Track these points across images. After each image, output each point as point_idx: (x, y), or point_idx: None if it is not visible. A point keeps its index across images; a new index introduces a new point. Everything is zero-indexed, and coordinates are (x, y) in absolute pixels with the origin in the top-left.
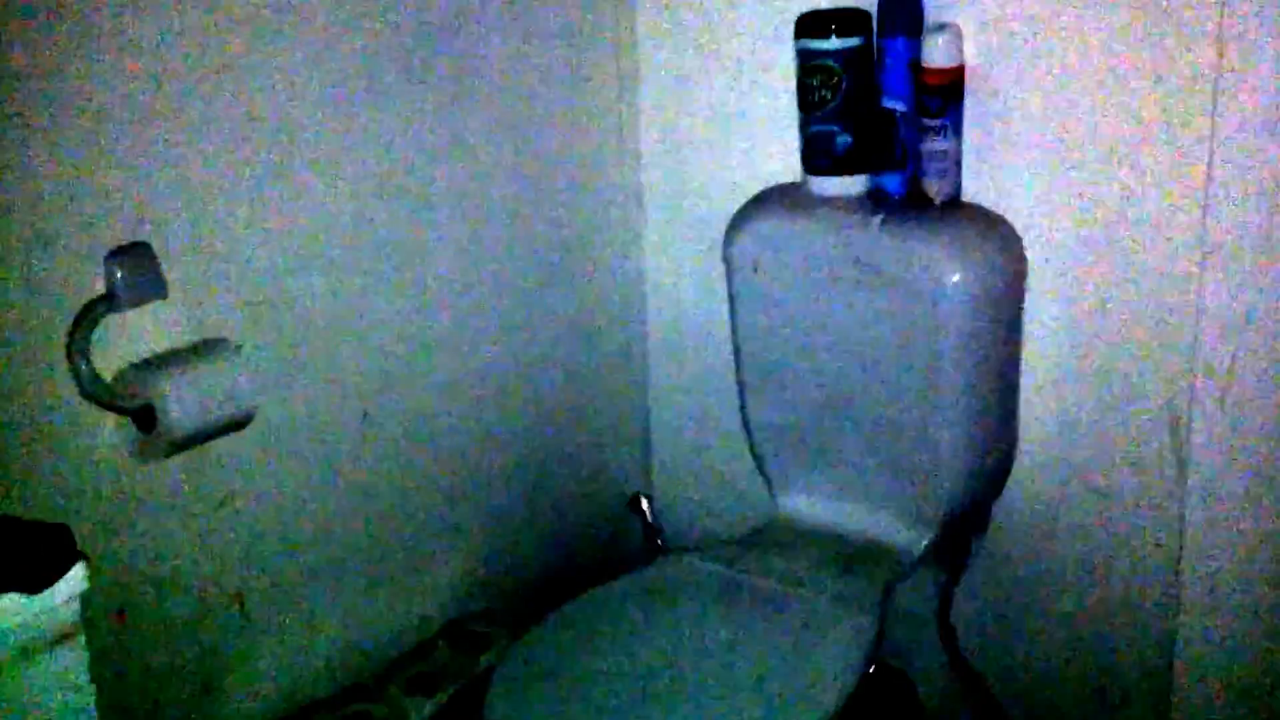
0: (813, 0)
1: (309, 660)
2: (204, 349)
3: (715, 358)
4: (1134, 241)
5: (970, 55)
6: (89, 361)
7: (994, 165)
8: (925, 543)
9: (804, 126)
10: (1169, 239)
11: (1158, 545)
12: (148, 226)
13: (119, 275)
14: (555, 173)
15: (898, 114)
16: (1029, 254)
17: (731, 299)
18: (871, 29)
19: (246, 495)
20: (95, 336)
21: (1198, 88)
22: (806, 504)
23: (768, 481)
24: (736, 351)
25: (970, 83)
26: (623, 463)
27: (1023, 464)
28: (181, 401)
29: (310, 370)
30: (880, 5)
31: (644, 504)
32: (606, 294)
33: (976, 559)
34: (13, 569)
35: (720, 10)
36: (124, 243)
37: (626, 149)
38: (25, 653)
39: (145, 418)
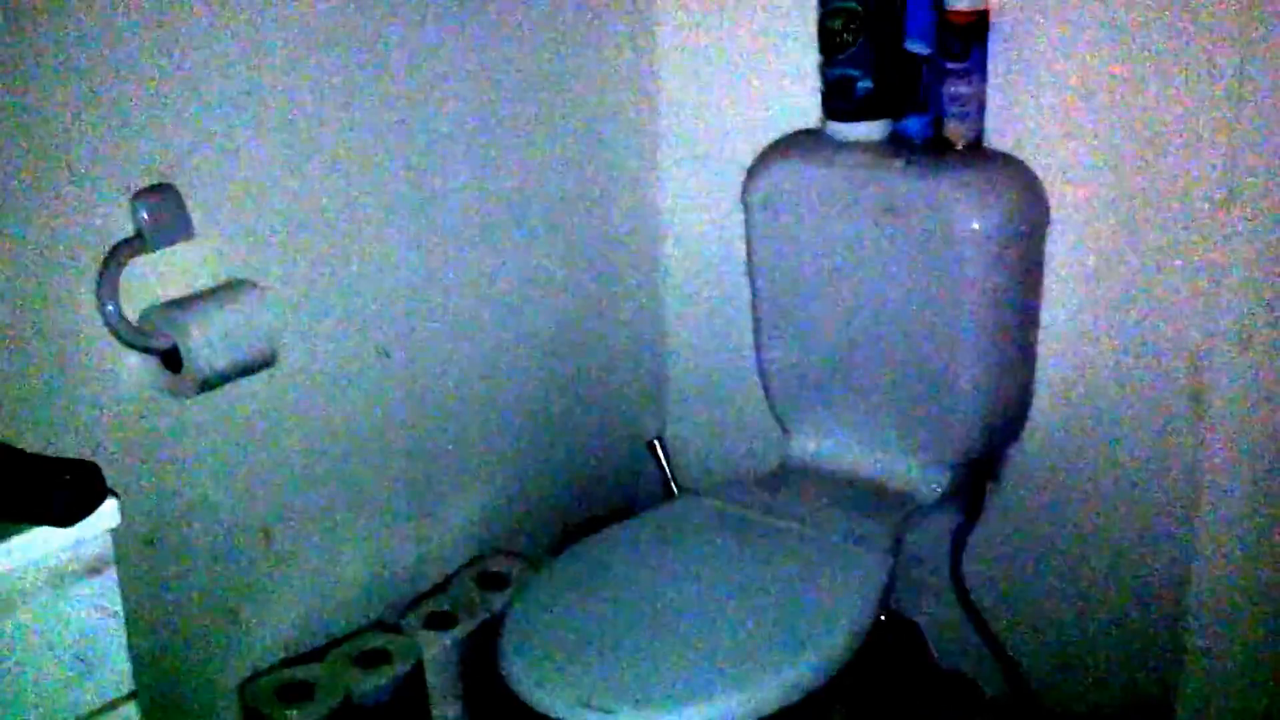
0: None
1: (331, 593)
2: (229, 290)
3: (732, 301)
4: (1157, 188)
5: None
6: (117, 302)
7: (1017, 109)
8: (940, 486)
9: (824, 70)
10: (1193, 187)
11: (1174, 494)
12: (174, 168)
13: (146, 216)
14: (573, 115)
15: (920, 57)
16: (1051, 200)
17: (749, 242)
18: None
19: (270, 432)
20: (123, 277)
21: (1226, 31)
22: (821, 446)
23: (782, 424)
24: (754, 294)
25: (994, 25)
26: (639, 405)
27: (1039, 410)
28: (207, 343)
29: (331, 310)
30: None
31: (659, 449)
32: (624, 236)
33: (990, 507)
34: (46, 504)
35: None
36: (151, 184)
37: (645, 91)
38: (61, 580)
39: (172, 358)
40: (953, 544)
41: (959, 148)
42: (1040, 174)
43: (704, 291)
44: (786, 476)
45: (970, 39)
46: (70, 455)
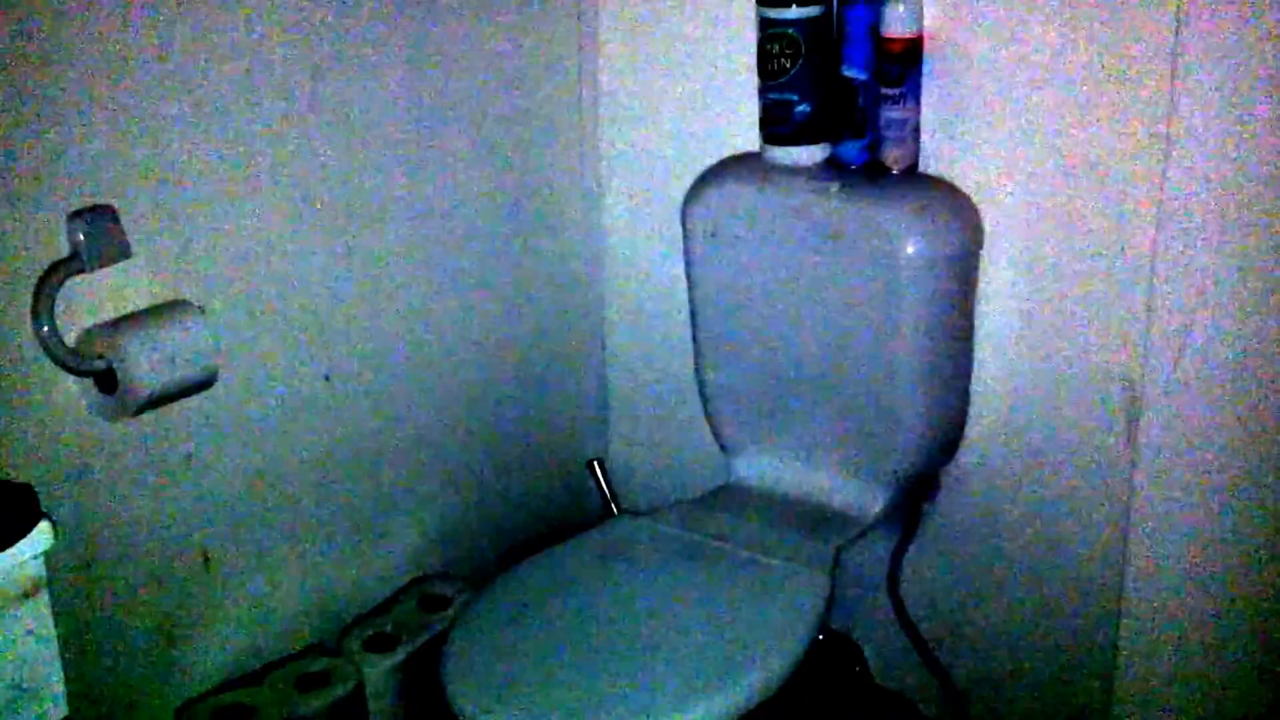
0: None
1: (271, 616)
2: (167, 311)
3: (673, 323)
4: (1090, 212)
5: (929, 24)
6: (53, 323)
7: (952, 135)
8: (878, 507)
9: (763, 95)
10: (1125, 210)
11: (1106, 513)
12: (112, 188)
13: (82, 236)
14: (515, 139)
15: (857, 82)
16: (985, 223)
17: (689, 265)
18: None
19: (210, 454)
20: (59, 298)
21: (1156, 59)
22: (761, 467)
23: (723, 445)
24: (693, 316)
25: (929, 52)
26: (581, 426)
27: (975, 430)
28: (144, 363)
29: (272, 332)
30: None
31: (597, 469)
32: (566, 259)
33: (927, 525)
34: None
35: None
36: (88, 204)
37: (587, 115)
38: None
39: (108, 379)
40: (891, 563)
41: (895, 172)
42: (974, 198)
43: (645, 312)
44: (727, 497)
45: (905, 65)
46: (3, 478)
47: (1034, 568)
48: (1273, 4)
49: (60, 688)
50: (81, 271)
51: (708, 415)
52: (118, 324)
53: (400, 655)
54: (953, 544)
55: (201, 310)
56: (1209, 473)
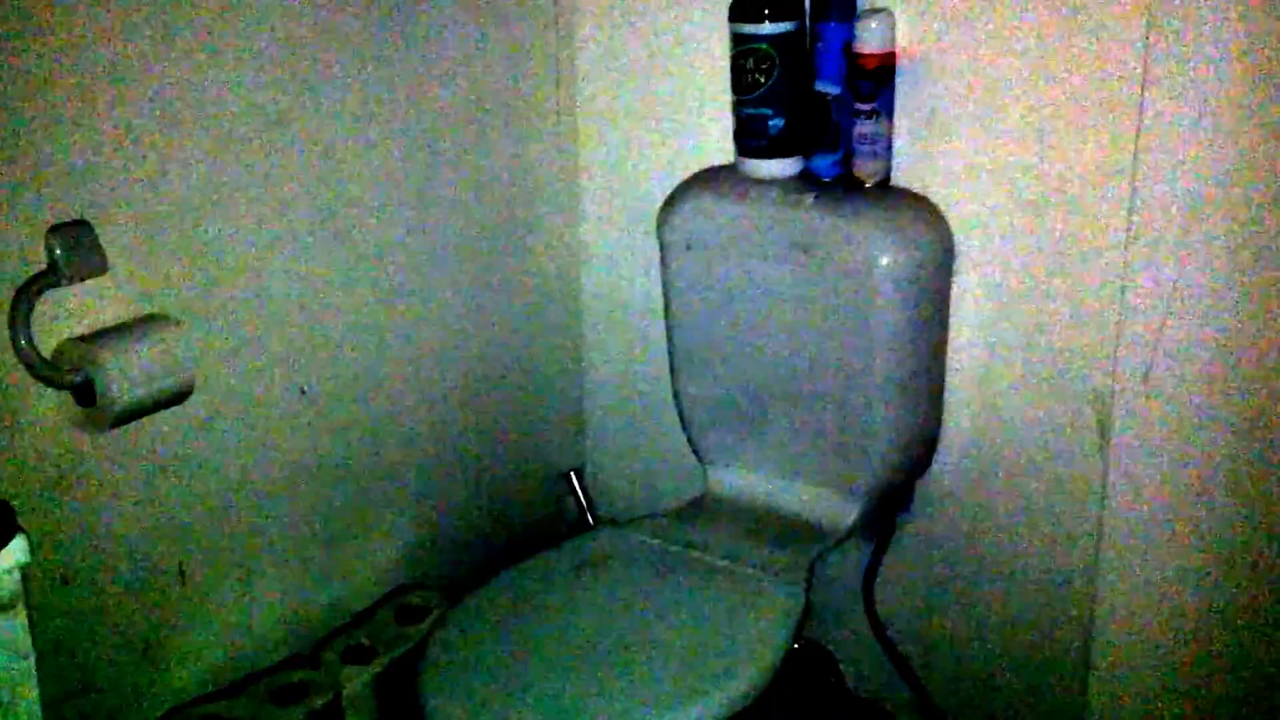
0: None
1: (249, 628)
2: (144, 324)
3: (649, 335)
4: (1060, 226)
5: (902, 40)
6: (30, 336)
7: (924, 150)
8: (853, 517)
9: (737, 109)
10: (1095, 224)
11: (1079, 523)
12: (89, 203)
13: (59, 251)
14: (493, 152)
15: (830, 97)
16: (957, 236)
17: (664, 277)
18: (805, 13)
19: (186, 467)
20: (36, 311)
21: (1125, 76)
22: (737, 478)
23: (699, 456)
24: (669, 328)
25: (902, 68)
26: (558, 438)
27: (948, 441)
28: (121, 376)
29: (248, 345)
30: None
31: (575, 481)
32: (543, 271)
33: (901, 536)
34: None
35: None
36: (65, 219)
37: (564, 129)
38: None
39: (85, 392)
40: (866, 573)
41: (868, 186)
42: (946, 212)
43: (622, 324)
44: (703, 508)
45: (878, 81)
46: None
47: (1007, 578)
48: (1239, 23)
49: (37, 704)
50: (58, 285)
51: (684, 426)
52: (95, 337)
53: (377, 667)
54: (927, 555)
55: (178, 323)
56: (1180, 483)
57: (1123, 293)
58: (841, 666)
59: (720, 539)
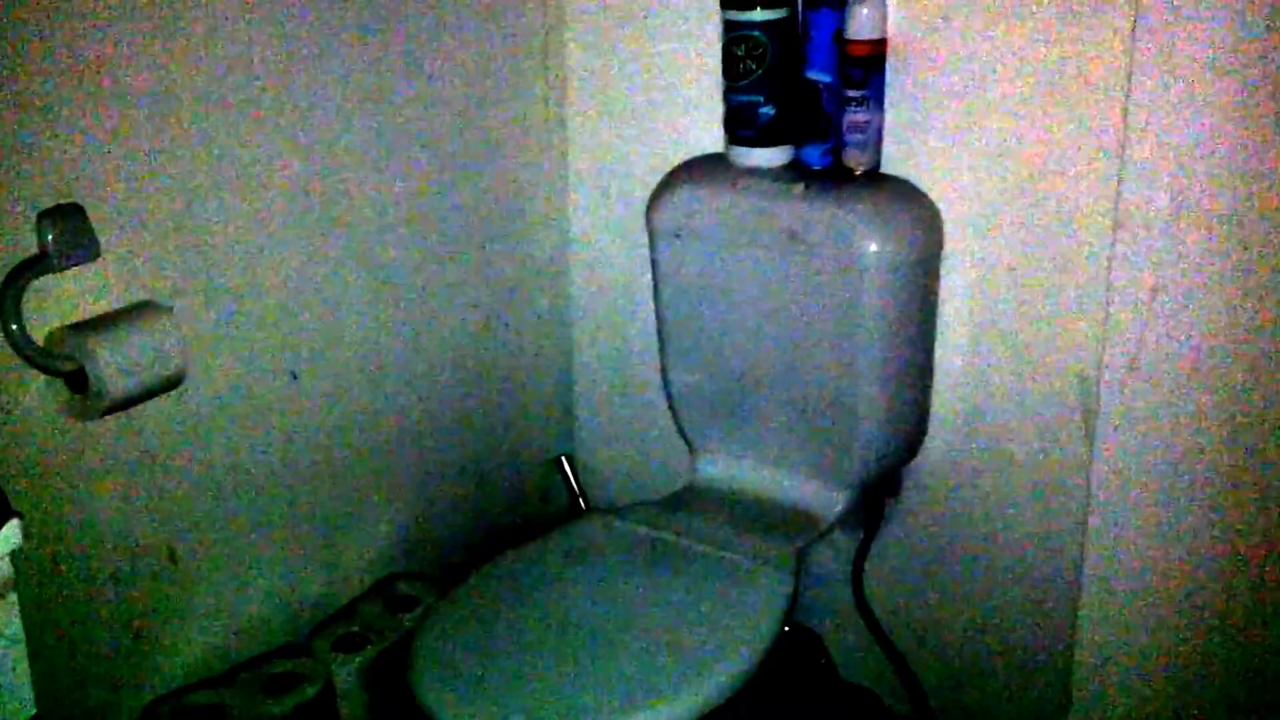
0: None
1: (239, 615)
2: (135, 311)
3: (638, 323)
4: (1047, 214)
5: (892, 28)
6: (21, 323)
7: (913, 138)
8: (841, 505)
9: (728, 97)
10: (1082, 212)
11: (1065, 510)
12: (80, 188)
13: (51, 236)
14: (482, 139)
15: (821, 85)
16: (946, 225)
17: (654, 265)
18: (796, 0)
19: (177, 453)
20: (27, 298)
21: (1112, 66)
22: (726, 466)
23: (688, 444)
24: (659, 317)
25: (892, 56)
26: (548, 426)
27: (936, 428)
28: (113, 364)
29: (239, 331)
30: None
31: (565, 466)
32: (532, 259)
33: (889, 522)
34: None
35: None
36: (57, 204)
37: (553, 116)
38: None
39: (77, 379)
40: (854, 559)
41: (858, 174)
42: (935, 200)
43: (611, 311)
44: (692, 496)
45: (869, 69)
46: None
47: (994, 563)
48: (1225, 12)
49: (28, 689)
50: (50, 271)
51: (673, 414)
52: (87, 324)
53: (369, 655)
54: (915, 541)
55: (170, 310)
56: (1165, 470)
57: (1109, 281)
58: (830, 651)
59: (709, 526)
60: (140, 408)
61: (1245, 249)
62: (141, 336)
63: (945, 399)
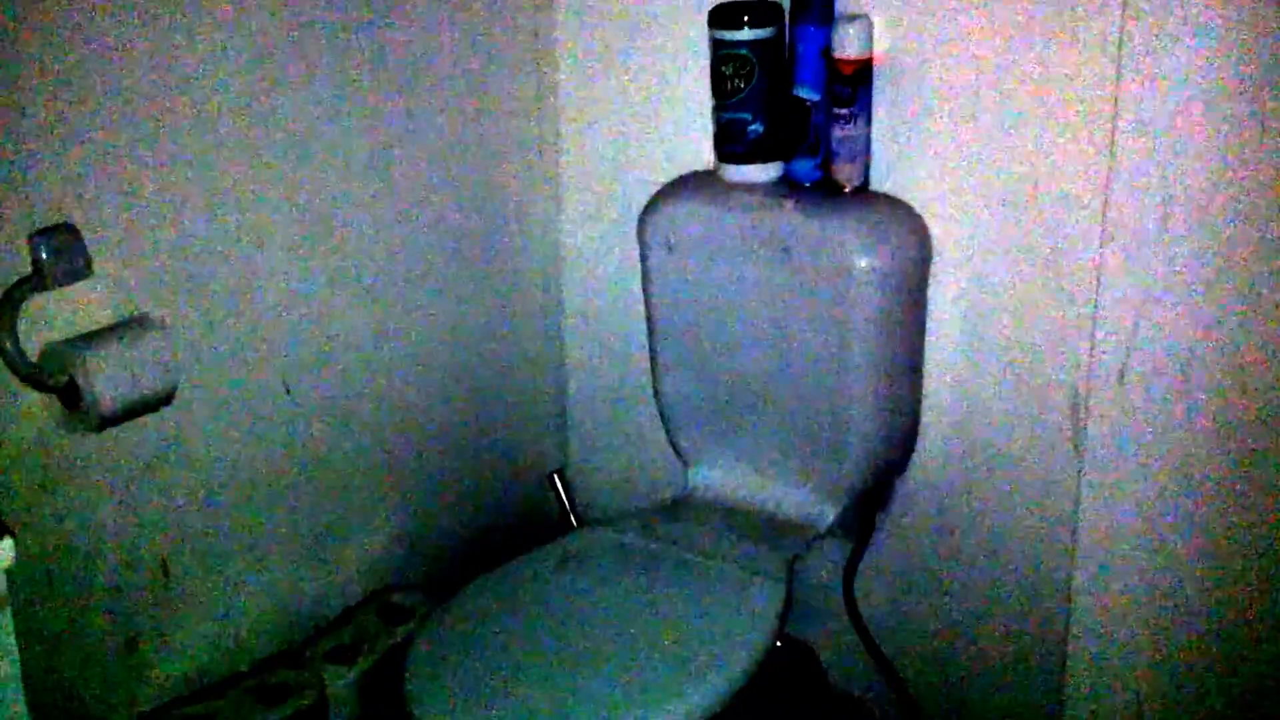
0: None
1: (233, 627)
2: (128, 326)
3: (631, 336)
4: (1036, 227)
5: (879, 45)
6: (15, 339)
7: (902, 153)
8: (832, 516)
9: (717, 114)
10: (1069, 224)
11: (1055, 522)
12: (73, 207)
13: (45, 255)
14: (474, 153)
15: (809, 102)
16: (934, 238)
17: (645, 279)
18: (783, 19)
19: (171, 466)
20: (21, 315)
21: (1100, 80)
22: (718, 477)
23: (680, 456)
24: (651, 330)
25: (879, 72)
26: (541, 438)
27: (926, 440)
28: (106, 379)
29: (232, 344)
30: None
31: (558, 482)
32: (525, 272)
33: (880, 533)
34: None
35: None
36: (50, 223)
37: (545, 132)
38: None
39: (71, 394)
40: (845, 570)
41: (847, 189)
42: (923, 215)
43: (603, 325)
44: (684, 507)
45: (856, 86)
46: None
47: (985, 574)
48: (1212, 26)
49: (21, 703)
50: (44, 289)
51: (665, 426)
52: (80, 340)
53: (362, 666)
54: (906, 552)
55: (163, 325)
56: (1154, 479)
57: (1097, 292)
58: (822, 662)
59: (701, 537)
60: (134, 422)
61: (1233, 261)
62: (134, 351)
63: (935, 409)
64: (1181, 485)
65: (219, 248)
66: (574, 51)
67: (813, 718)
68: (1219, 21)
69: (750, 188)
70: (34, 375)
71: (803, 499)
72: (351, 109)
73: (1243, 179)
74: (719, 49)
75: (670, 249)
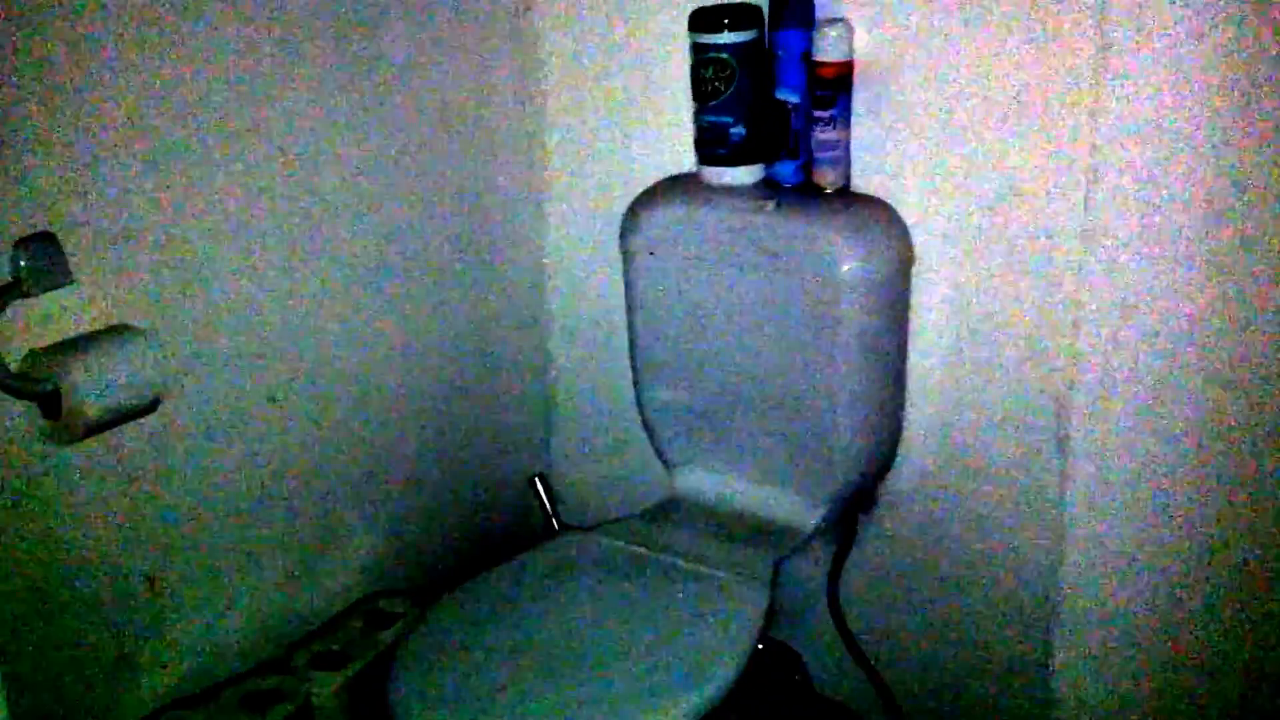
0: None
1: (221, 636)
2: (111, 335)
3: (614, 341)
4: (1017, 230)
5: (860, 49)
6: None
7: (882, 156)
8: (816, 519)
9: (699, 118)
10: (1051, 229)
11: (1039, 525)
12: (54, 215)
13: (24, 263)
14: (460, 161)
15: (790, 105)
16: (916, 241)
17: (628, 283)
18: (764, 23)
19: (155, 476)
20: (2, 323)
21: (1080, 84)
22: (702, 482)
23: (664, 461)
24: (634, 335)
25: (860, 75)
26: (525, 444)
27: (910, 443)
28: (88, 387)
29: (216, 354)
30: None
31: (539, 486)
32: (509, 277)
33: (864, 537)
34: None
35: (619, 3)
36: (30, 231)
37: (529, 138)
38: None
39: (52, 403)
40: (830, 574)
41: (828, 192)
42: (905, 217)
43: (587, 329)
44: (668, 512)
45: (837, 89)
46: None
47: (969, 579)
48: (1193, 30)
49: (6, 715)
50: (25, 297)
51: (648, 431)
52: (62, 348)
53: (348, 673)
54: (890, 556)
55: (146, 333)
56: (1139, 483)
57: (1080, 294)
58: (807, 666)
59: (685, 542)
60: (116, 430)
61: (1215, 266)
62: (117, 358)
63: (918, 414)
64: (1165, 489)
65: (203, 256)
66: (556, 56)
67: None
68: (1198, 23)
69: (732, 190)
70: (15, 383)
71: (786, 503)
72: (335, 121)
73: (1223, 182)
74: (699, 53)
75: (652, 252)
